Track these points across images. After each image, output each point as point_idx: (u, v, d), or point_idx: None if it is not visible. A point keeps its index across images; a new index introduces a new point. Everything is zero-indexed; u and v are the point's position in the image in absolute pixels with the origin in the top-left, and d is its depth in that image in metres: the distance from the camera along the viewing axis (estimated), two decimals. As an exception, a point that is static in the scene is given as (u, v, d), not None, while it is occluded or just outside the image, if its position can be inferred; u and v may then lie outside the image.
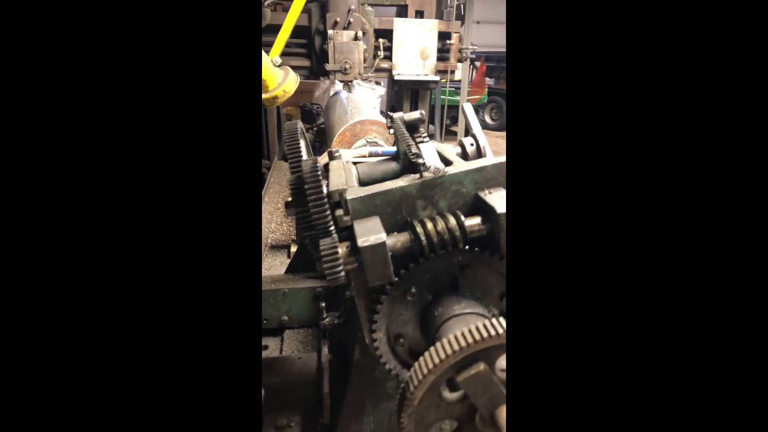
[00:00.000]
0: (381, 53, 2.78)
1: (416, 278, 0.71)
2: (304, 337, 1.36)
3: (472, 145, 0.93)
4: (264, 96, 2.12)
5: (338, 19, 2.60)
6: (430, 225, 0.68)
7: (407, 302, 0.72)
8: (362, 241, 0.63)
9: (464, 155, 0.93)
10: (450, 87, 4.91)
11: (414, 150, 0.76)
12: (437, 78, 3.01)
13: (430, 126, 4.36)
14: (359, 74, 2.65)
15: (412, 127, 0.92)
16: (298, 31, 2.78)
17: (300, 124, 0.93)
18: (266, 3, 2.35)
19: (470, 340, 0.54)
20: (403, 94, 3.15)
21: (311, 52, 2.80)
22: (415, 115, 0.91)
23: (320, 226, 0.67)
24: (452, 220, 0.69)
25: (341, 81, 2.65)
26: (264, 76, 2.06)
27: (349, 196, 0.70)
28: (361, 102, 2.44)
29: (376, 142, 1.77)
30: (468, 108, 1.03)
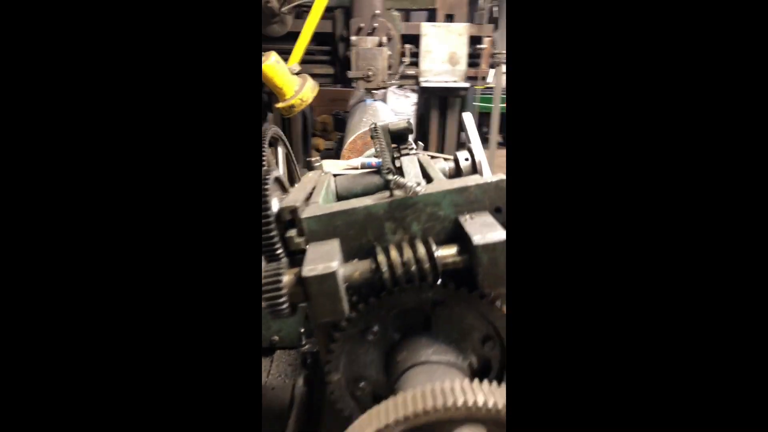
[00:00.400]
0: (407, 59, 2.71)
1: (379, 314, 0.62)
2: (295, 359, 1.29)
3: (467, 159, 0.83)
4: (280, 105, 2.11)
5: (362, 25, 2.56)
6: (394, 253, 0.59)
7: (368, 342, 0.63)
8: (307, 270, 0.54)
9: (457, 171, 0.83)
10: (486, 94, 4.77)
11: (388, 163, 0.67)
12: (467, 85, 2.90)
13: (461, 134, 4.23)
14: (383, 81, 2.59)
15: (399, 137, 0.83)
16: (322, 38, 2.78)
17: (275, 130, 0.86)
18: (285, 9, 2.34)
19: (419, 407, 0.44)
20: (430, 101, 3.06)
21: (335, 59, 2.77)
22: (401, 124, 0.82)
23: (265, 248, 0.60)
24: (421, 249, 0.59)
25: (365, 89, 2.60)
26: (280, 84, 2.04)
27: (304, 214, 0.62)
28: (382, 110, 2.38)
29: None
30: (467, 118, 0.93)
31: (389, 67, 2.73)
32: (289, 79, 2.05)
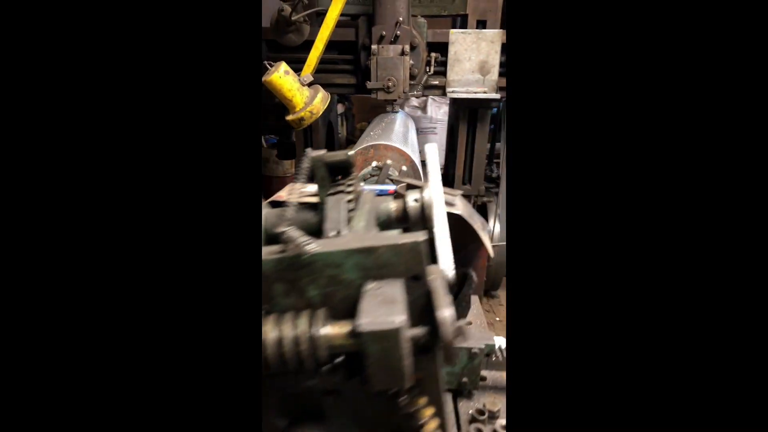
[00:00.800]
0: (431, 69, 2.58)
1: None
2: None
3: (416, 201, 0.71)
4: (290, 117, 2.06)
5: (384, 33, 2.47)
6: (268, 326, 0.48)
7: (244, 431, 0.52)
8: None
9: (403, 216, 0.71)
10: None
11: (288, 212, 0.57)
12: (498, 96, 2.72)
13: (496, 144, 4.01)
14: (404, 92, 2.49)
15: (337, 169, 0.72)
16: (345, 47, 2.72)
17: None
18: (295, 17, 2.30)
19: None
20: (459, 113, 2.90)
21: (357, 69, 2.70)
22: (338, 156, 0.71)
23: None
24: (302, 324, 0.48)
25: (384, 99, 2.51)
26: (289, 95, 2.00)
27: None
28: (399, 123, 2.27)
29: (379, 171, 1.58)
30: (429, 149, 0.80)
31: (412, 77, 2.62)
32: (299, 90, 2.00)
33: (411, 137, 2.18)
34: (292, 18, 2.26)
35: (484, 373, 1.26)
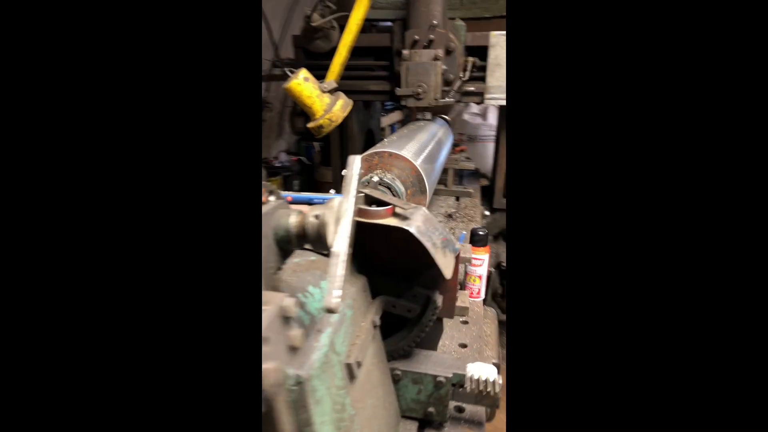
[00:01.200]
0: (467, 74, 2.49)
1: None
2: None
3: (316, 218, 0.67)
4: (310, 125, 2.10)
5: (417, 37, 2.44)
6: None
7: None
8: None
9: (303, 233, 0.67)
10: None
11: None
12: (543, 103, 2.55)
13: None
14: (435, 99, 2.42)
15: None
16: (381, 53, 2.72)
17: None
18: (316, 24, 2.34)
19: None
20: (501, 121, 2.77)
21: (392, 75, 2.69)
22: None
23: None
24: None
25: (413, 107, 2.46)
26: (309, 103, 2.04)
27: None
28: (426, 131, 2.21)
29: (381, 180, 1.54)
30: (351, 161, 0.75)
31: (447, 83, 2.55)
32: (318, 97, 2.03)
33: (433, 147, 2.11)
34: (312, 24, 2.31)
35: (463, 405, 1.18)
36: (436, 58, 2.39)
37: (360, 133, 3.14)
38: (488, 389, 1.02)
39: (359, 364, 0.81)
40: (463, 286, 1.74)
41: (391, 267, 1.01)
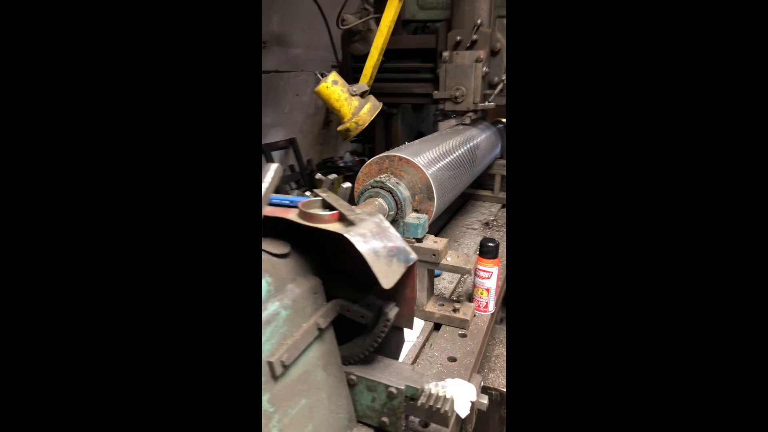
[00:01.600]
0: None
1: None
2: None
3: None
4: (340, 128, 2.18)
5: (459, 38, 2.39)
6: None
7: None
8: None
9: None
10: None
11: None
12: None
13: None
14: (474, 103, 2.36)
15: None
16: (426, 54, 2.71)
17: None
18: (353, 25, 2.38)
19: None
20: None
21: (436, 77, 2.67)
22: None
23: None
24: None
25: (451, 111, 2.42)
26: (337, 106, 2.12)
27: None
28: (457, 137, 2.17)
29: (382, 185, 1.55)
30: (267, 168, 0.77)
31: (491, 86, 2.47)
32: (347, 100, 2.09)
33: (463, 154, 2.06)
34: (343, 26, 2.37)
35: (427, 421, 1.16)
36: (477, 60, 2.34)
37: (408, 136, 3.15)
38: (439, 406, 1.00)
39: (283, 364, 0.85)
40: (471, 298, 1.69)
41: (352, 273, 1.03)
